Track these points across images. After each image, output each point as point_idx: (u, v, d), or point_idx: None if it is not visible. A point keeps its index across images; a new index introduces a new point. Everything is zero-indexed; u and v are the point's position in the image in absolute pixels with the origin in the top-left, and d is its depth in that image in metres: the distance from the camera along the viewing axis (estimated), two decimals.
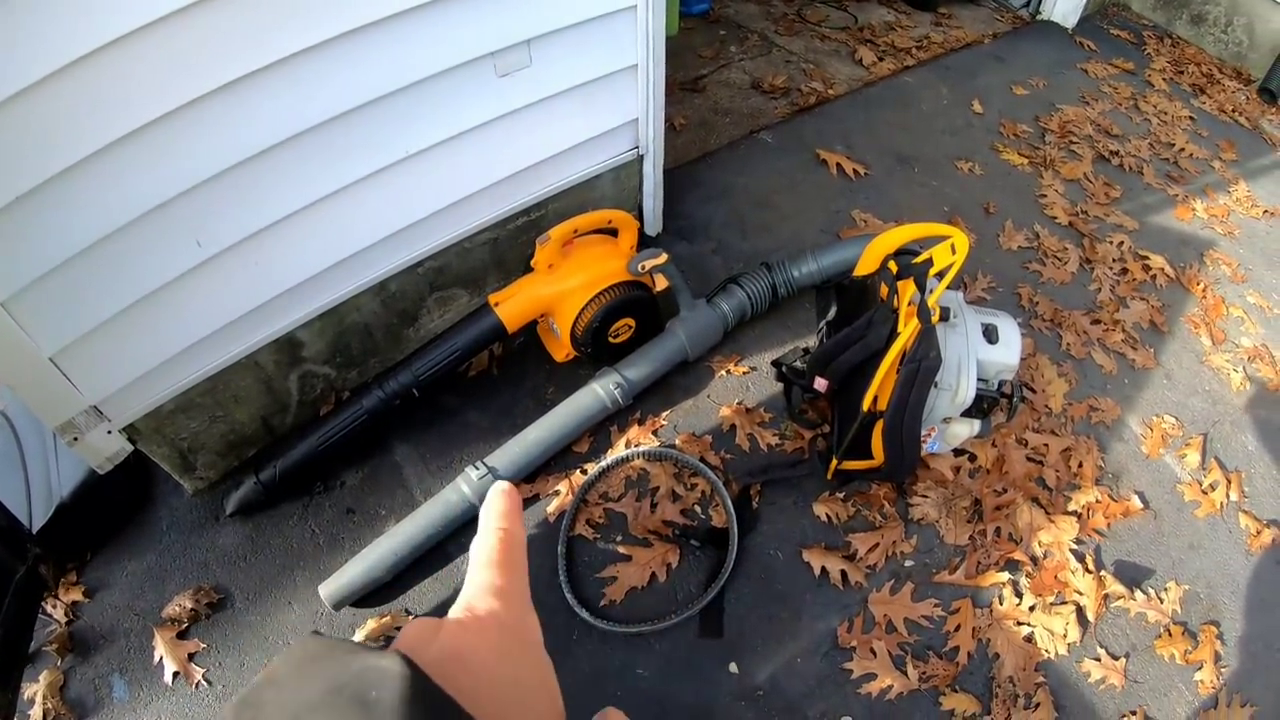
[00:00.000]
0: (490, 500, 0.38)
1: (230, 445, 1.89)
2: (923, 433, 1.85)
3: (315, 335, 1.89)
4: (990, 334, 1.84)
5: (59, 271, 1.33)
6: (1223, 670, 1.88)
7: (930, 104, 3.23)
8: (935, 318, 1.70)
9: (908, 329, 1.64)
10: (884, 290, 1.76)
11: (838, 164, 2.76)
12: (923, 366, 1.63)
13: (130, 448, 1.66)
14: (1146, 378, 2.41)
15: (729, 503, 1.87)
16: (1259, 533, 2.14)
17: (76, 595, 1.71)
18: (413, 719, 0.24)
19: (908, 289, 1.70)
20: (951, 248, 1.69)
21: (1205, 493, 2.19)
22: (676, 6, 3.17)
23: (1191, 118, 3.52)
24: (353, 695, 0.24)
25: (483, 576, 0.34)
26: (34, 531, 1.65)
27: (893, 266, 1.79)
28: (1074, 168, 3.03)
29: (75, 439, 1.54)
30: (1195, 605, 1.97)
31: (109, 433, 1.60)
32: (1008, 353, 1.83)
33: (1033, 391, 2.24)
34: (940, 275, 1.69)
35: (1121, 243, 2.76)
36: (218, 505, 1.83)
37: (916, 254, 1.76)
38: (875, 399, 1.72)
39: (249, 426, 1.90)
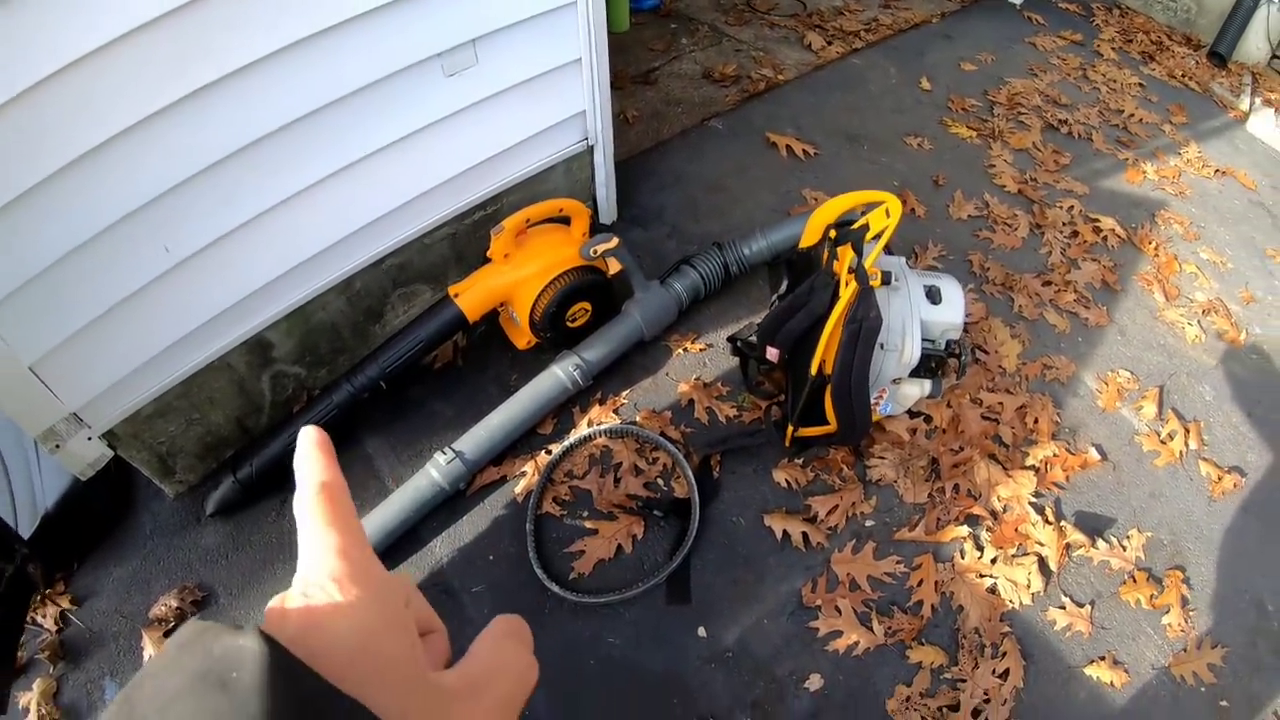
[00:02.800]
0: (302, 451, 0.35)
1: (207, 448, 1.93)
2: (874, 395, 1.90)
3: (284, 335, 1.94)
4: (933, 295, 1.90)
5: (34, 283, 1.38)
6: (1191, 614, 1.92)
7: (879, 84, 3.29)
8: (877, 281, 1.76)
9: (847, 291, 1.69)
10: (826, 257, 1.82)
11: (787, 146, 2.82)
12: (864, 326, 1.68)
13: (110, 453, 1.71)
14: (1100, 335, 2.47)
15: (690, 473, 1.92)
16: (1220, 479, 2.19)
17: (65, 603, 1.75)
18: (274, 695, 0.24)
19: (846, 254, 1.76)
20: (886, 212, 1.74)
21: (1164, 442, 2.24)
22: (626, 3, 3.23)
23: (1141, 84, 3.58)
24: (215, 679, 0.24)
25: (317, 537, 0.32)
26: None
27: (833, 235, 1.85)
28: (1022, 138, 3.09)
29: (57, 446, 1.59)
30: (1159, 552, 2.02)
31: (89, 439, 1.64)
32: (951, 311, 1.89)
33: (985, 353, 2.30)
34: (877, 238, 1.75)
35: (1071, 207, 2.82)
36: (198, 507, 1.88)
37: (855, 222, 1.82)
38: (823, 363, 1.78)
39: (225, 428, 1.94)
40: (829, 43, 3.35)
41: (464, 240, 2.20)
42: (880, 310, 1.70)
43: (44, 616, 1.73)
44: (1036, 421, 2.18)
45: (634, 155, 2.71)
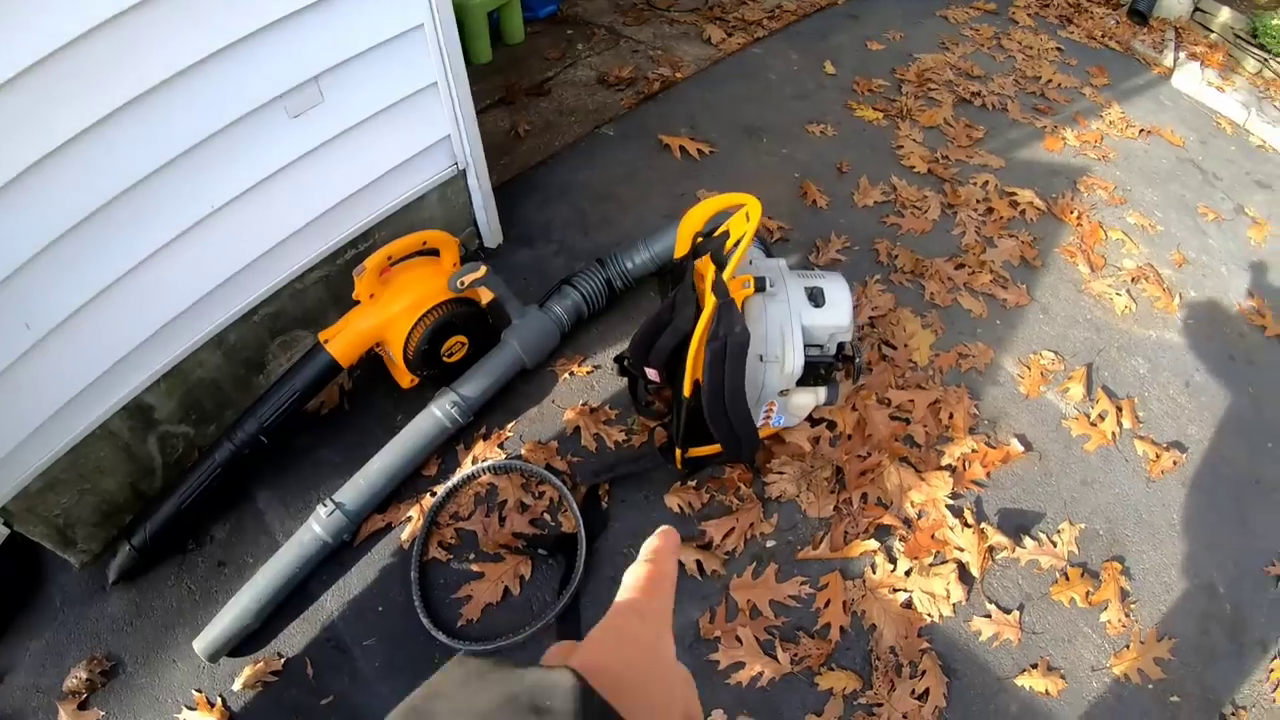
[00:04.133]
0: (649, 539, 0.42)
1: (105, 515, 1.87)
2: (762, 409, 1.79)
3: (163, 396, 1.87)
4: (815, 297, 1.78)
5: None
6: (1132, 607, 1.83)
7: (780, 72, 3.17)
8: (749, 290, 1.65)
9: (707, 307, 1.58)
10: (687, 269, 1.71)
11: (680, 146, 2.70)
12: (729, 343, 1.57)
13: (6, 530, 1.68)
14: (1020, 315, 2.36)
15: (575, 507, 1.82)
16: (1159, 457, 2.08)
17: None
18: None
19: (708, 266, 1.65)
20: (746, 215, 1.63)
21: (1094, 424, 2.13)
22: (519, 14, 3.12)
23: (1059, 49, 3.47)
24: (528, 704, 0.26)
25: (625, 598, 0.38)
26: None
27: (699, 243, 1.74)
28: (933, 115, 2.97)
29: None
30: (1094, 543, 1.91)
31: None
32: (836, 313, 1.77)
33: (893, 348, 2.18)
34: (739, 244, 1.63)
35: (986, 182, 2.70)
36: (103, 576, 1.82)
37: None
38: (696, 383, 1.66)
39: (119, 494, 1.88)
40: (729, 35, 3.24)
41: (338, 281, 2.11)
42: (746, 323, 1.59)
43: None
44: (951, 417, 2.07)
45: (525, 171, 2.59)
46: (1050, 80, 3.23)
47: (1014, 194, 2.68)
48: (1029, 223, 2.62)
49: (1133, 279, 2.51)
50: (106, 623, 1.77)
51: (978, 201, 2.64)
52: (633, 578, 0.39)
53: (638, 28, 3.28)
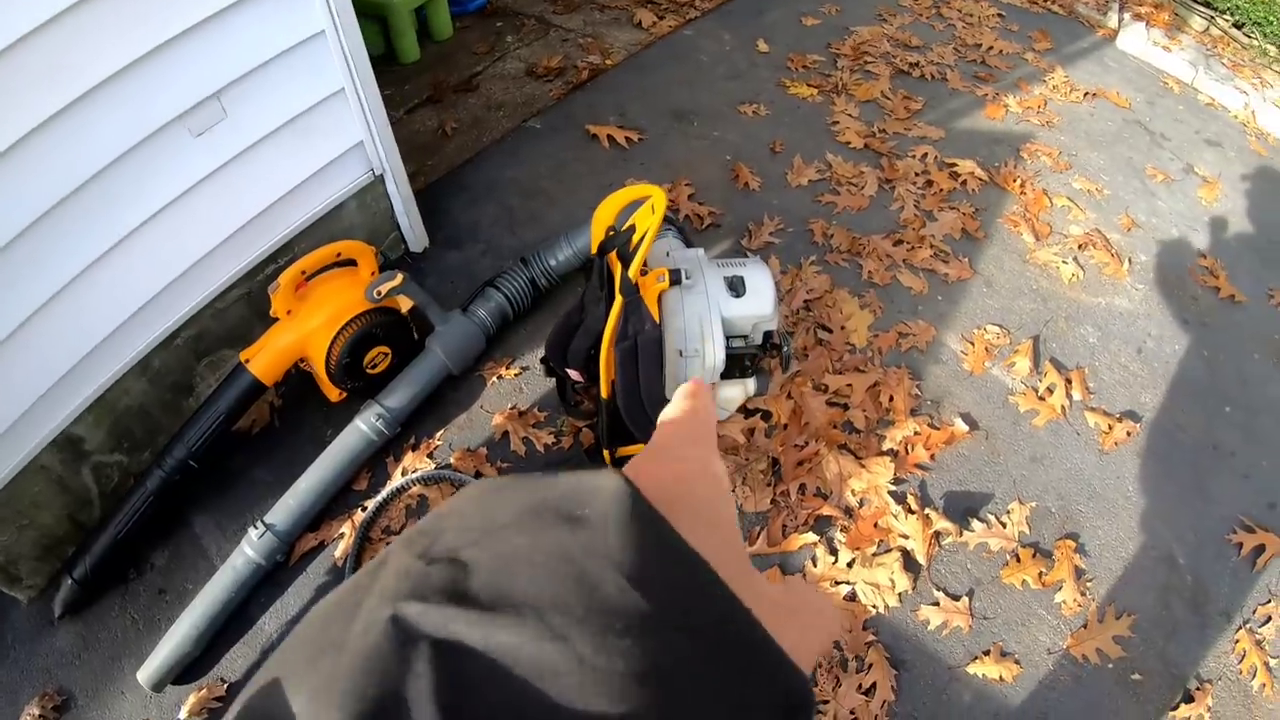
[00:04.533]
0: (681, 387, 0.37)
1: (47, 549, 1.83)
2: None
3: (92, 427, 1.82)
4: (735, 286, 1.71)
5: None
6: (1088, 585, 1.79)
7: (711, 53, 3.10)
8: (666, 283, 1.60)
9: (614, 308, 1.52)
10: (593, 267, 1.66)
11: (608, 136, 2.63)
12: (639, 341, 1.52)
13: None
14: (963, 290, 2.30)
15: None
16: (1111, 428, 2.04)
17: None
18: (633, 539, 0.21)
19: (616, 263, 1.59)
20: (651, 208, 1.57)
21: (1042, 398, 2.09)
22: (446, 9, 3.03)
23: (1000, 15, 3.41)
24: (558, 511, 0.21)
25: (671, 425, 0.33)
26: None
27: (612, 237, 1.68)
28: (870, 88, 2.91)
29: None
30: (1046, 522, 1.88)
31: None
32: (758, 303, 1.71)
33: (829, 331, 2.13)
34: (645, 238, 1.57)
35: (925, 155, 2.64)
36: (50, 610, 1.80)
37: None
38: (613, 383, 1.61)
39: (58, 528, 1.84)
40: (661, 17, 3.16)
41: (261, 297, 2.05)
42: (664, 317, 1.54)
43: None
44: (892, 399, 2.02)
45: (452, 170, 2.52)
46: (991, 47, 3.17)
47: (954, 165, 2.62)
48: (970, 194, 2.56)
49: (1080, 246, 2.46)
50: (55, 658, 1.74)
51: (916, 175, 2.58)
52: (670, 413, 0.34)
53: (568, 15, 3.20)
